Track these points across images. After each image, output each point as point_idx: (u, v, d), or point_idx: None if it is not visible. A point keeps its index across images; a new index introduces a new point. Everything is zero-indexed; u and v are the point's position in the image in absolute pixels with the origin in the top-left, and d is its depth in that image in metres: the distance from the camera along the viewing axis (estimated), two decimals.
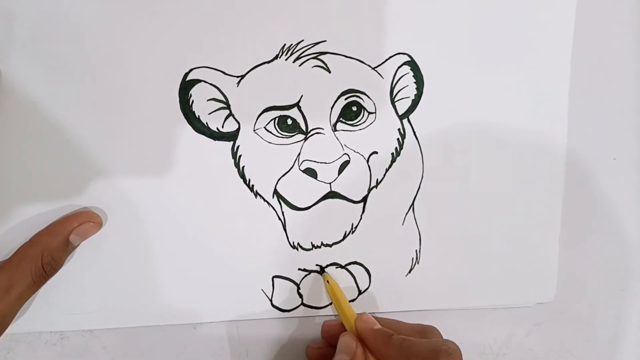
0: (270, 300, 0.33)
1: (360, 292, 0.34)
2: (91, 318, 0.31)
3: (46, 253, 0.28)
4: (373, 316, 0.31)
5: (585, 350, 0.38)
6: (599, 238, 0.38)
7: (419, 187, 0.33)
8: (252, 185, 0.31)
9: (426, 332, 0.30)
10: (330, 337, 0.31)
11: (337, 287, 0.32)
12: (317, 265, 0.33)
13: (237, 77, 0.30)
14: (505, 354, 0.37)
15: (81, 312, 0.31)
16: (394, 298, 0.34)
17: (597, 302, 0.38)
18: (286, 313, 0.33)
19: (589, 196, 0.37)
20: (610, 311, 0.38)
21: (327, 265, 0.33)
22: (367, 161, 0.32)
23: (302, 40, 0.30)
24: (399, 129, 0.32)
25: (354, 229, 0.33)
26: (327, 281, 0.32)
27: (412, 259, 0.34)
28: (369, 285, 0.34)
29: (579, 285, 0.38)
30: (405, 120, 0.32)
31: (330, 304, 0.34)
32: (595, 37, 0.36)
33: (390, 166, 0.33)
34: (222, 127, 0.30)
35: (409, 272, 0.34)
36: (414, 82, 0.32)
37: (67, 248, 0.28)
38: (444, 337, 0.32)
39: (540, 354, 0.38)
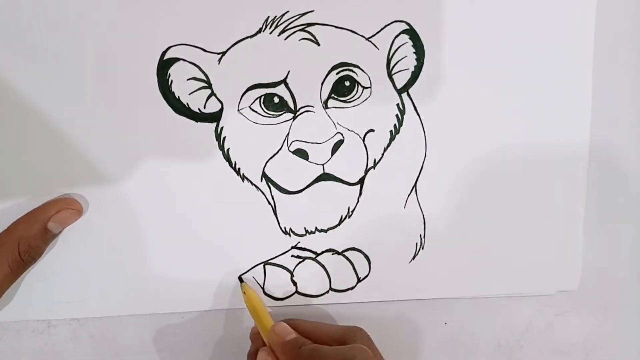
0: (263, 288, 0.37)
1: (359, 280, 0.38)
2: (78, 307, 0.37)
3: (23, 241, 0.33)
4: (295, 322, 0.35)
5: (614, 343, 0.42)
6: (628, 223, 0.41)
7: (422, 166, 0.37)
8: (239, 169, 0.35)
9: (346, 337, 0.33)
10: (258, 345, 0.36)
11: (256, 298, 0.36)
12: (310, 251, 0.37)
13: (218, 54, 0.34)
14: (523, 347, 0.41)
15: (68, 301, 0.37)
16: (396, 286, 0.39)
17: (627, 291, 0.41)
18: (280, 301, 0.38)
19: (615, 180, 0.40)
20: None
21: (323, 252, 0.37)
22: (363, 140, 0.35)
23: (288, 12, 0.34)
24: (397, 105, 0.35)
25: (350, 213, 0.37)
26: (244, 292, 0.36)
27: (416, 244, 0.38)
28: (369, 272, 0.38)
29: (606, 273, 0.41)
30: (404, 95, 0.36)
31: (328, 291, 0.37)
32: (618, 21, 0.38)
33: (388, 145, 0.36)
34: (204, 107, 0.34)
35: (413, 258, 0.38)
36: (414, 53, 0.35)
37: (46, 236, 0.34)
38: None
39: (564, 347, 0.42)
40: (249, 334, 0.37)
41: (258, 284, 0.38)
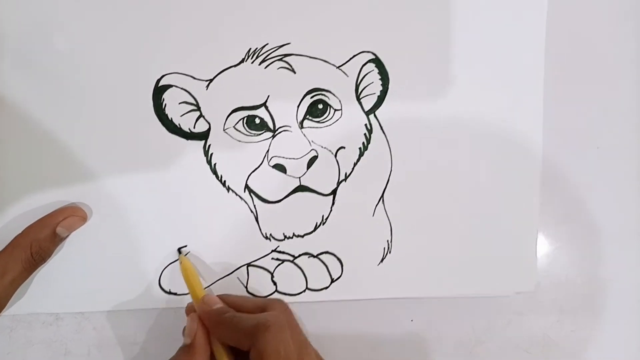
0: (246, 288, 0.43)
1: (332, 281, 0.43)
2: (82, 301, 0.42)
3: (35, 243, 0.38)
4: (225, 296, 0.40)
5: (571, 341, 0.46)
6: (581, 227, 0.46)
7: (388, 179, 0.42)
8: (225, 181, 0.41)
9: (266, 307, 0.37)
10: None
11: (190, 267, 0.40)
12: (288, 254, 0.42)
13: (206, 81, 0.39)
14: (484, 343, 0.46)
15: (74, 296, 0.42)
16: (366, 286, 0.44)
17: (581, 291, 0.46)
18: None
19: (568, 184, 0.45)
20: (596, 301, 0.46)
21: (300, 255, 0.42)
22: (335, 156, 0.41)
23: (267, 44, 0.39)
24: (365, 124, 0.41)
25: (324, 220, 0.42)
26: (181, 262, 0.40)
27: (384, 248, 0.43)
28: (341, 274, 0.43)
29: (561, 275, 0.46)
30: (371, 116, 0.41)
31: (304, 290, 0.43)
32: (570, 23, 0.44)
33: (358, 160, 0.41)
34: (194, 127, 0.40)
35: (381, 261, 0.43)
36: (379, 79, 0.41)
37: (55, 239, 0.39)
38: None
39: (522, 344, 0.47)
40: (185, 307, 0.41)
41: (242, 283, 0.43)
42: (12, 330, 0.42)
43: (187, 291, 0.42)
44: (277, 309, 0.37)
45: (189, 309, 0.40)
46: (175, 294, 0.42)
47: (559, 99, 0.44)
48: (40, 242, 0.38)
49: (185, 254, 0.41)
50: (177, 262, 0.42)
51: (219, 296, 0.40)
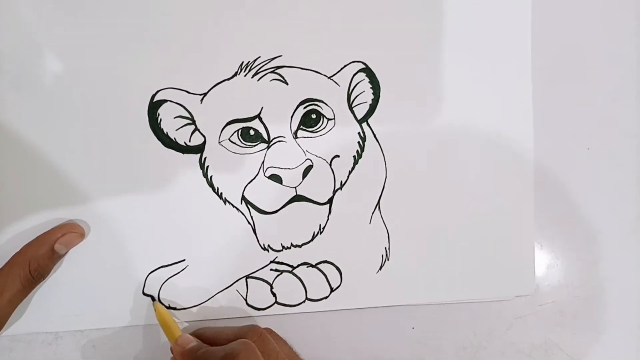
0: (245, 300, 0.43)
1: (332, 290, 0.44)
2: (82, 319, 0.42)
3: (33, 260, 0.39)
4: (201, 331, 0.40)
5: (572, 343, 0.47)
6: (578, 229, 0.46)
7: (384, 186, 0.43)
8: (221, 193, 0.41)
9: (239, 336, 0.37)
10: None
11: (165, 313, 0.40)
12: (287, 265, 0.42)
13: (200, 94, 0.40)
14: (486, 348, 0.46)
15: (73, 314, 0.42)
16: (366, 295, 0.44)
17: (580, 293, 0.46)
18: (261, 311, 0.43)
19: (562, 187, 0.46)
20: (596, 303, 0.47)
21: (298, 265, 0.43)
22: (330, 165, 0.42)
23: (259, 57, 0.40)
24: (358, 133, 0.42)
25: (322, 230, 0.43)
26: (155, 309, 0.41)
27: (382, 256, 0.44)
28: (341, 282, 0.44)
29: (560, 278, 0.46)
30: (364, 124, 0.42)
31: (304, 301, 0.43)
32: (556, 25, 0.45)
33: (352, 168, 0.42)
34: (189, 141, 0.40)
35: (380, 269, 0.44)
36: (370, 88, 0.42)
37: (53, 256, 0.40)
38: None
39: (524, 348, 0.47)
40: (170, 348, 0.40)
41: (241, 295, 0.44)
42: (11, 350, 0.42)
43: (187, 305, 0.42)
44: (250, 336, 0.37)
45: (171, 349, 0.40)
46: (174, 308, 0.42)
47: (548, 102, 0.45)
48: (38, 260, 0.39)
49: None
50: (176, 276, 0.42)
51: (195, 332, 0.40)
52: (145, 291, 0.42)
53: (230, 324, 0.43)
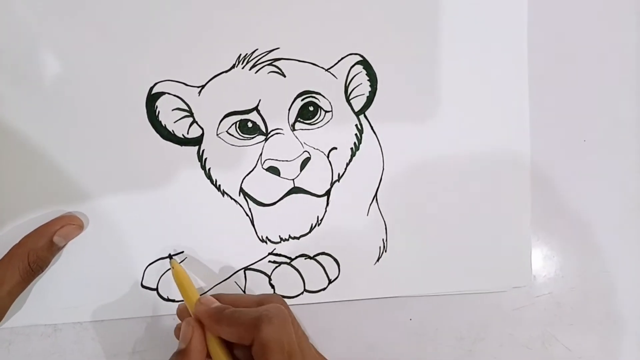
0: (244, 292, 0.43)
1: (330, 281, 0.44)
2: (80, 312, 0.43)
3: (32, 252, 0.39)
4: (219, 295, 0.40)
5: (569, 334, 0.47)
6: (574, 220, 0.47)
7: (381, 178, 0.43)
8: (219, 185, 0.41)
9: (264, 301, 0.37)
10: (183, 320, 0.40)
11: (182, 272, 0.40)
12: (285, 256, 0.42)
13: (198, 87, 0.40)
14: (484, 339, 0.46)
15: (72, 307, 0.42)
16: (363, 286, 0.44)
17: (576, 285, 0.47)
18: None
19: (559, 179, 0.46)
20: (592, 294, 0.47)
21: (296, 257, 0.43)
22: (328, 157, 0.42)
23: (257, 49, 0.41)
24: (356, 125, 0.42)
25: (319, 222, 0.43)
26: (172, 267, 0.40)
27: (380, 247, 0.44)
28: (338, 274, 0.44)
29: (557, 269, 0.47)
30: (362, 116, 0.42)
31: (302, 292, 0.43)
32: (552, 21, 0.45)
33: (350, 160, 0.42)
34: (187, 133, 0.41)
35: (377, 260, 0.44)
36: (368, 80, 0.42)
37: (52, 248, 0.40)
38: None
39: (522, 339, 0.47)
40: (176, 311, 0.41)
41: (239, 287, 0.44)
42: (10, 343, 0.43)
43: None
44: (277, 301, 0.38)
45: (182, 313, 0.40)
46: (173, 300, 0.43)
47: (544, 95, 0.45)
48: (37, 252, 0.39)
49: (181, 261, 0.42)
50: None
51: (214, 296, 0.40)
52: (144, 283, 0.42)
53: None
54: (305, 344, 0.36)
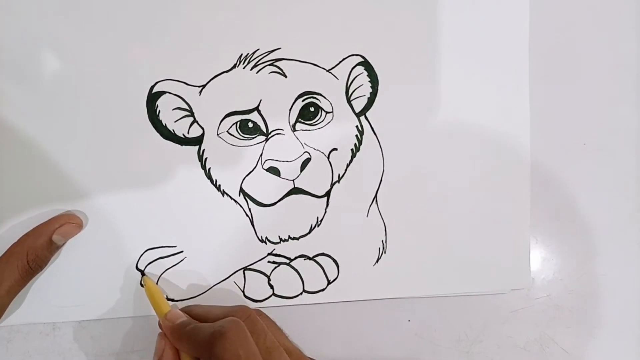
0: (243, 292, 0.43)
1: (329, 282, 0.44)
2: (79, 310, 0.42)
3: (31, 251, 0.39)
4: (190, 307, 0.40)
5: (567, 336, 0.47)
6: (572, 223, 0.47)
7: (381, 180, 0.43)
8: (219, 185, 0.41)
9: (228, 314, 0.37)
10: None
11: (154, 287, 0.40)
12: (284, 257, 0.43)
13: (199, 86, 0.40)
14: (482, 341, 0.46)
15: (70, 305, 0.42)
16: (362, 287, 0.44)
17: (574, 287, 0.47)
18: (258, 303, 0.43)
19: (558, 182, 0.46)
20: (590, 297, 0.47)
21: (296, 257, 0.43)
22: (328, 158, 0.42)
23: (258, 49, 0.40)
24: (356, 126, 0.42)
25: (319, 222, 0.43)
26: (144, 284, 0.41)
27: (379, 249, 0.44)
28: (338, 275, 0.44)
29: (556, 272, 0.47)
30: (362, 118, 0.42)
31: (301, 293, 0.43)
32: (553, 23, 0.45)
33: (350, 161, 0.42)
34: (188, 133, 0.41)
35: (377, 261, 0.44)
36: (369, 81, 0.42)
37: (51, 247, 0.40)
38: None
39: (520, 341, 0.47)
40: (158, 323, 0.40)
41: (239, 287, 0.44)
42: (9, 341, 0.42)
43: (184, 297, 0.42)
44: (239, 315, 0.37)
45: (159, 325, 0.39)
46: (172, 299, 0.43)
47: (545, 97, 0.45)
48: (36, 250, 0.39)
49: (145, 266, 0.42)
50: (174, 267, 0.42)
51: (185, 308, 0.40)
52: (143, 283, 0.42)
53: None
54: (277, 353, 0.36)
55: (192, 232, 0.42)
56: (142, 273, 0.42)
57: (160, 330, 0.39)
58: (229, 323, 0.34)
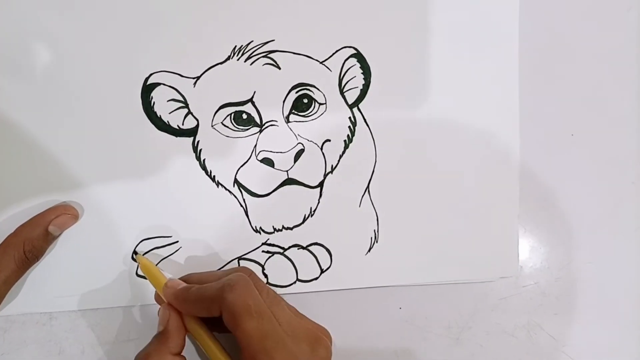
0: None
1: (322, 271, 0.44)
2: (76, 300, 0.43)
3: (27, 242, 0.39)
4: (187, 276, 0.41)
5: (554, 323, 0.48)
6: (560, 213, 0.48)
7: (373, 171, 0.43)
8: (214, 176, 0.42)
9: (228, 274, 0.37)
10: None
11: (148, 263, 0.41)
12: (278, 246, 0.43)
13: (193, 78, 0.40)
14: (471, 327, 0.47)
15: (67, 295, 0.42)
16: (355, 276, 0.45)
17: (562, 275, 0.48)
18: None
19: (547, 172, 0.47)
20: (577, 285, 0.48)
21: (290, 247, 0.44)
22: (321, 149, 0.42)
23: (252, 41, 0.41)
24: (349, 118, 0.42)
25: (312, 213, 0.43)
26: (138, 261, 0.41)
27: (371, 238, 0.44)
28: (331, 264, 0.44)
29: (543, 260, 0.48)
30: (355, 109, 0.43)
31: (295, 282, 0.44)
32: (543, 12, 0.46)
33: (343, 152, 0.43)
34: (182, 124, 0.41)
35: (369, 250, 0.45)
36: (361, 73, 0.42)
37: (47, 237, 0.40)
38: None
39: (508, 328, 0.48)
40: (154, 297, 0.41)
41: None
42: (5, 331, 0.43)
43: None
44: (240, 271, 0.38)
45: (158, 300, 0.40)
46: None
47: (534, 89, 0.46)
48: (32, 241, 0.39)
49: (143, 253, 0.42)
50: (169, 257, 0.43)
51: (182, 277, 0.40)
52: (139, 272, 0.43)
53: None
54: (278, 307, 0.37)
55: (187, 222, 0.43)
56: (135, 253, 0.42)
57: (162, 306, 0.39)
58: (235, 277, 0.35)
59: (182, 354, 0.38)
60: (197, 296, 0.36)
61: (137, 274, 0.42)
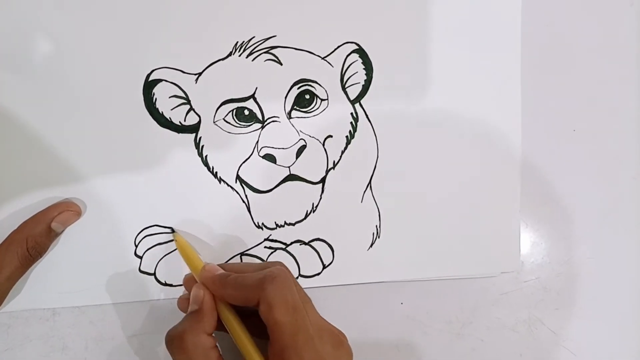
0: None
1: (324, 267, 0.44)
2: (79, 296, 0.43)
3: (30, 238, 0.39)
4: (224, 264, 0.41)
5: (555, 318, 0.48)
6: (561, 208, 0.48)
7: (375, 166, 0.43)
8: (216, 172, 0.42)
9: (265, 267, 0.37)
10: (190, 289, 0.40)
11: (185, 243, 0.41)
12: (281, 242, 0.43)
13: (195, 74, 0.40)
14: (472, 322, 0.47)
15: (70, 291, 0.42)
16: (357, 271, 0.45)
17: (562, 270, 0.48)
18: None
19: (548, 167, 0.47)
20: (577, 280, 0.48)
21: (292, 243, 0.44)
22: (323, 145, 0.42)
23: (254, 37, 0.41)
24: (351, 113, 0.42)
25: (314, 208, 0.43)
26: (175, 240, 0.41)
27: (373, 234, 0.44)
28: (333, 259, 0.44)
29: (544, 255, 0.48)
30: (357, 105, 0.42)
31: (297, 277, 0.44)
32: (546, 9, 0.46)
33: (345, 148, 0.43)
34: (184, 120, 0.41)
35: (371, 246, 0.45)
36: (363, 69, 0.42)
37: (50, 234, 0.40)
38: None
39: (509, 323, 0.48)
40: (182, 281, 0.42)
41: None
42: (9, 327, 0.43)
43: (182, 283, 0.43)
44: (279, 265, 0.38)
45: (188, 283, 0.41)
46: (171, 285, 0.43)
47: (535, 84, 0.46)
48: (35, 238, 0.39)
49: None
50: (172, 253, 0.43)
51: (219, 265, 0.40)
52: (142, 268, 0.43)
53: None
54: (307, 305, 0.37)
55: (190, 218, 0.43)
56: (172, 230, 0.42)
57: (195, 285, 0.38)
58: (277, 270, 0.35)
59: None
60: (237, 284, 0.36)
61: (140, 269, 0.42)
